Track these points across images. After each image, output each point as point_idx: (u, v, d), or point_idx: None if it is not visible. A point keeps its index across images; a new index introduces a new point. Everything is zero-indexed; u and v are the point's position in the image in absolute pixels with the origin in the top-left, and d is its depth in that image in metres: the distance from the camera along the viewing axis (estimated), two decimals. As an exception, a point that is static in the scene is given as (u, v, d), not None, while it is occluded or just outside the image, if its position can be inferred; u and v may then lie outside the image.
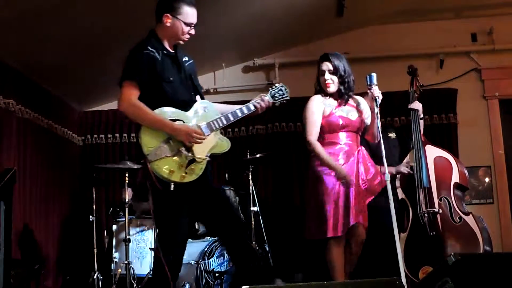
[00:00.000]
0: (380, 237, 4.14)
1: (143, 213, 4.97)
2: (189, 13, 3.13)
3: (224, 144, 3.19)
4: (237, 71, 6.19)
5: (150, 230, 4.79)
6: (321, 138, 3.78)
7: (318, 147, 3.71)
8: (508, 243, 5.51)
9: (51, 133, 5.56)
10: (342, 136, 3.75)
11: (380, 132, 3.60)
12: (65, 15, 4.28)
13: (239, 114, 3.21)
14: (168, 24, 3.14)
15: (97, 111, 6.20)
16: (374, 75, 3.67)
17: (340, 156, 3.71)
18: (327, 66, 3.77)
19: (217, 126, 3.15)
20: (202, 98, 3.27)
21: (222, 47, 5.67)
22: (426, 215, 3.88)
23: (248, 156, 4.93)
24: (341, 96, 3.79)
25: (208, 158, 3.09)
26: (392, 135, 4.63)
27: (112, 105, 6.18)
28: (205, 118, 3.15)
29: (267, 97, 3.31)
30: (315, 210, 3.71)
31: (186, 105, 3.13)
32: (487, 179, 5.79)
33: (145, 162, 2.98)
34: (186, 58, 3.28)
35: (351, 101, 3.84)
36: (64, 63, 5.07)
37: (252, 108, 3.26)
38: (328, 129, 3.75)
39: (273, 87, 3.37)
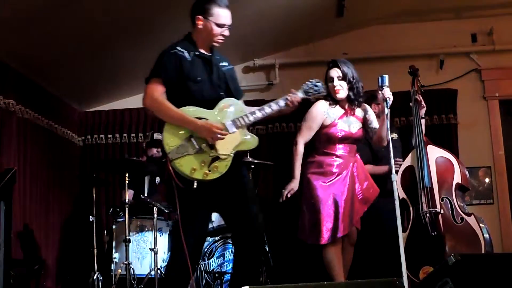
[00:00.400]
0: (380, 237, 4.15)
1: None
2: (221, 14, 3.12)
3: (250, 142, 3.14)
4: (237, 71, 6.10)
5: (150, 231, 4.79)
6: (318, 148, 3.80)
7: (298, 151, 3.74)
8: (508, 244, 5.51)
9: (51, 133, 5.56)
10: (339, 148, 3.76)
11: (389, 134, 3.59)
12: (65, 15, 4.28)
13: (267, 111, 3.15)
14: (200, 26, 3.14)
15: (97, 111, 6.21)
16: (386, 76, 3.62)
17: (334, 167, 3.73)
18: (336, 72, 3.74)
19: (243, 123, 3.09)
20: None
21: (222, 47, 5.64)
22: (428, 215, 3.87)
23: (249, 157, 4.92)
24: (351, 102, 3.77)
25: (232, 155, 3.03)
26: (394, 135, 4.62)
27: (112, 105, 6.18)
28: (230, 116, 3.10)
29: (300, 93, 3.21)
30: (307, 215, 3.75)
31: (212, 105, 3.10)
32: (487, 180, 5.79)
33: (167, 161, 2.95)
34: (225, 63, 3.30)
35: (357, 112, 3.82)
36: (64, 63, 5.07)
37: (282, 103, 3.17)
38: (326, 140, 3.76)
39: (307, 82, 3.25)
